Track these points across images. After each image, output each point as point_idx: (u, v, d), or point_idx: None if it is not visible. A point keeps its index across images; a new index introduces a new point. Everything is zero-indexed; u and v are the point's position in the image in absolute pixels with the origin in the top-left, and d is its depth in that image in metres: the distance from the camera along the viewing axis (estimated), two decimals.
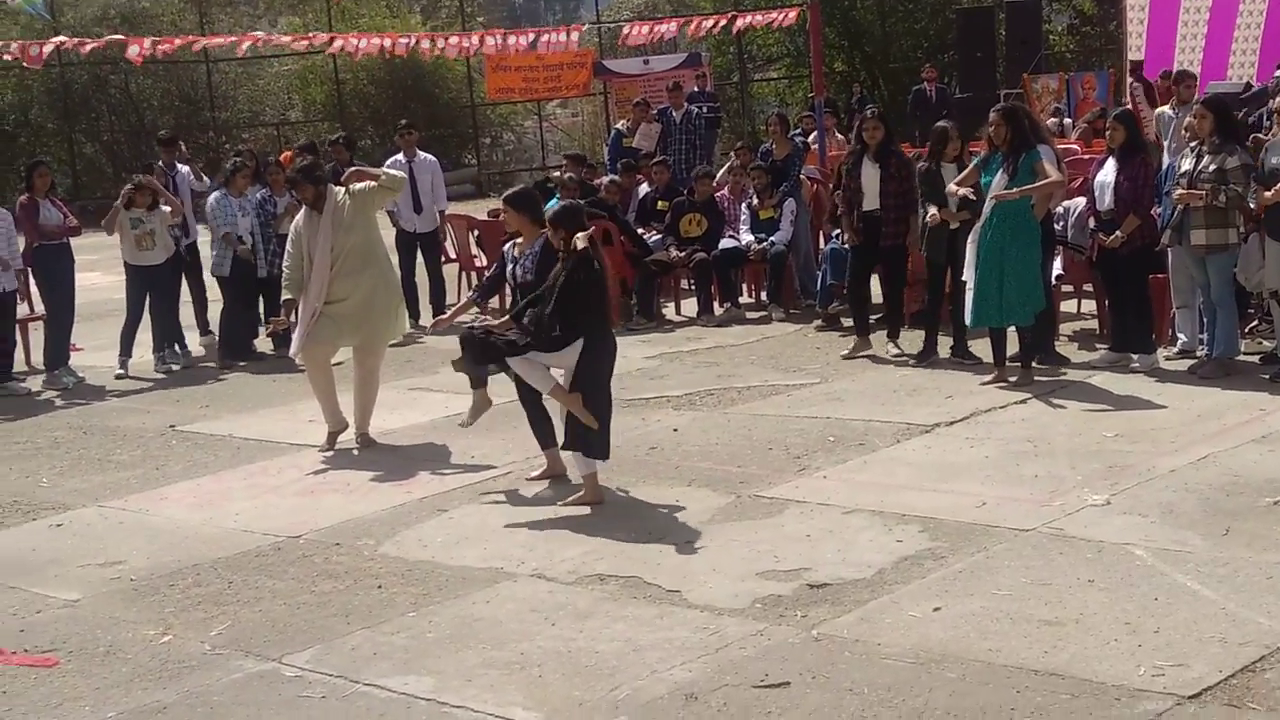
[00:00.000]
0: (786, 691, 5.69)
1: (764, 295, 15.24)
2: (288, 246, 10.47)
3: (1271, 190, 9.99)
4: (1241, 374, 10.46)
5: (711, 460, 9.31)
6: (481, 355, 8.70)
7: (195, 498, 9.36)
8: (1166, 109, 14.38)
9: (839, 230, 13.23)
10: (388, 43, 23.27)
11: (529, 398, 8.87)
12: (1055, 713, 5.32)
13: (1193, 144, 10.72)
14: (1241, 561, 6.75)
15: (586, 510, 8.36)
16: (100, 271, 17.93)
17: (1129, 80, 20.49)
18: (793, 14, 23.50)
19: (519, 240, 9.07)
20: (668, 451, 9.60)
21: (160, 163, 15.43)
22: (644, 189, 16.59)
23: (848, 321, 13.47)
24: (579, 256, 8.33)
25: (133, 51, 20.99)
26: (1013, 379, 10.69)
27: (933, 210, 11.45)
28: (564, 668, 6.11)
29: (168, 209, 13.95)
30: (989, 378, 10.82)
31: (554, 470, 8.98)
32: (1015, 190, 10.39)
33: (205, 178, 16.09)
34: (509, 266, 8.97)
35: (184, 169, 15.45)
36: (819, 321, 13.87)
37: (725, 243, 15.00)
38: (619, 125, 22.13)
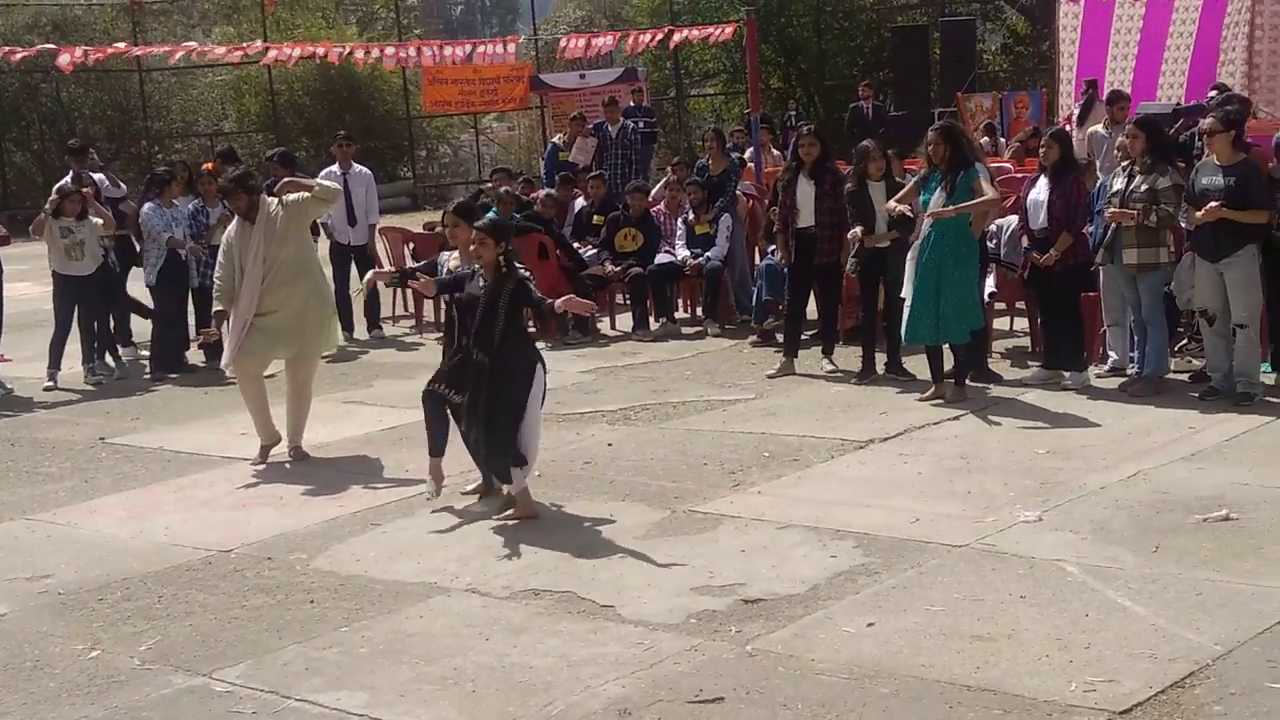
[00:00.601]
0: (720, 707, 5.69)
1: (699, 310, 15.27)
2: (219, 257, 10.37)
3: (1201, 210, 10.10)
4: (1171, 392, 10.56)
5: (646, 475, 9.30)
6: (439, 412, 8.66)
7: (125, 511, 9.26)
8: (1099, 128, 14.52)
9: (774, 246, 13.28)
10: (322, 51, 23.17)
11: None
12: None
13: (1124, 164, 10.83)
14: (1171, 578, 6.81)
15: (521, 525, 8.33)
16: (30, 281, 17.74)
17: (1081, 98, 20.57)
18: (729, 30, 23.62)
19: (455, 252, 9.02)
20: (602, 466, 9.59)
21: (71, 174, 15.21)
22: (580, 203, 16.59)
23: (782, 337, 13.51)
24: (518, 277, 8.35)
25: (64, 60, 20.85)
26: (947, 396, 10.73)
27: (855, 230, 11.53)
28: (498, 683, 6.08)
29: (98, 220, 13.82)
30: (925, 394, 10.88)
31: (489, 486, 8.94)
32: (952, 208, 10.46)
33: (121, 184, 15.98)
34: (441, 274, 8.90)
35: (99, 176, 15.31)
36: (754, 337, 13.91)
37: (661, 258, 15.02)
38: (555, 139, 22.14)
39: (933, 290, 10.57)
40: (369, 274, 10.16)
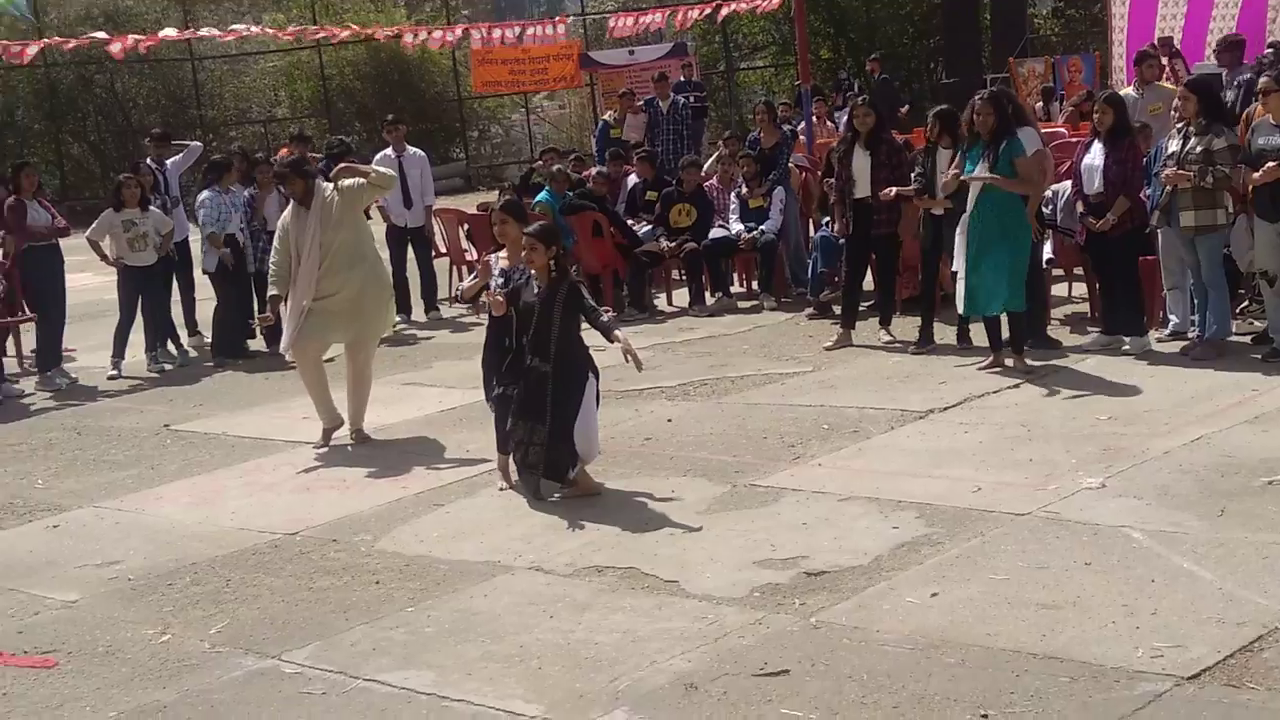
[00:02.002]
0: (786, 679, 5.71)
1: (755, 284, 15.25)
2: (274, 242, 10.44)
3: (1259, 171, 10.01)
4: (1233, 354, 10.48)
5: (706, 450, 9.31)
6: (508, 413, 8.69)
7: (191, 497, 9.36)
8: (1130, 90, 14.37)
9: (829, 218, 13.26)
10: (371, 32, 23.24)
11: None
12: (1054, 696, 5.34)
13: (1179, 125, 10.73)
14: (1237, 542, 6.77)
15: (583, 502, 8.36)
16: (91, 272, 17.89)
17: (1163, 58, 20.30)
18: (776, 1, 23.48)
19: (504, 251, 8.99)
20: (663, 442, 9.61)
21: (149, 159, 15.41)
22: (633, 180, 16.58)
23: (839, 309, 13.48)
24: (570, 281, 8.36)
25: (115, 48, 20.97)
26: (1009, 363, 10.69)
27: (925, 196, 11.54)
28: (563, 659, 6.12)
29: (160, 212, 13.99)
30: (985, 363, 10.83)
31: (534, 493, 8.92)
32: (989, 176, 10.53)
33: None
34: (496, 281, 8.82)
35: (169, 163, 15.46)
36: (811, 310, 13.87)
37: (715, 232, 15.00)
38: (606, 116, 22.13)
39: (987, 263, 10.57)
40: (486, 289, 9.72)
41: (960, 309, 11.01)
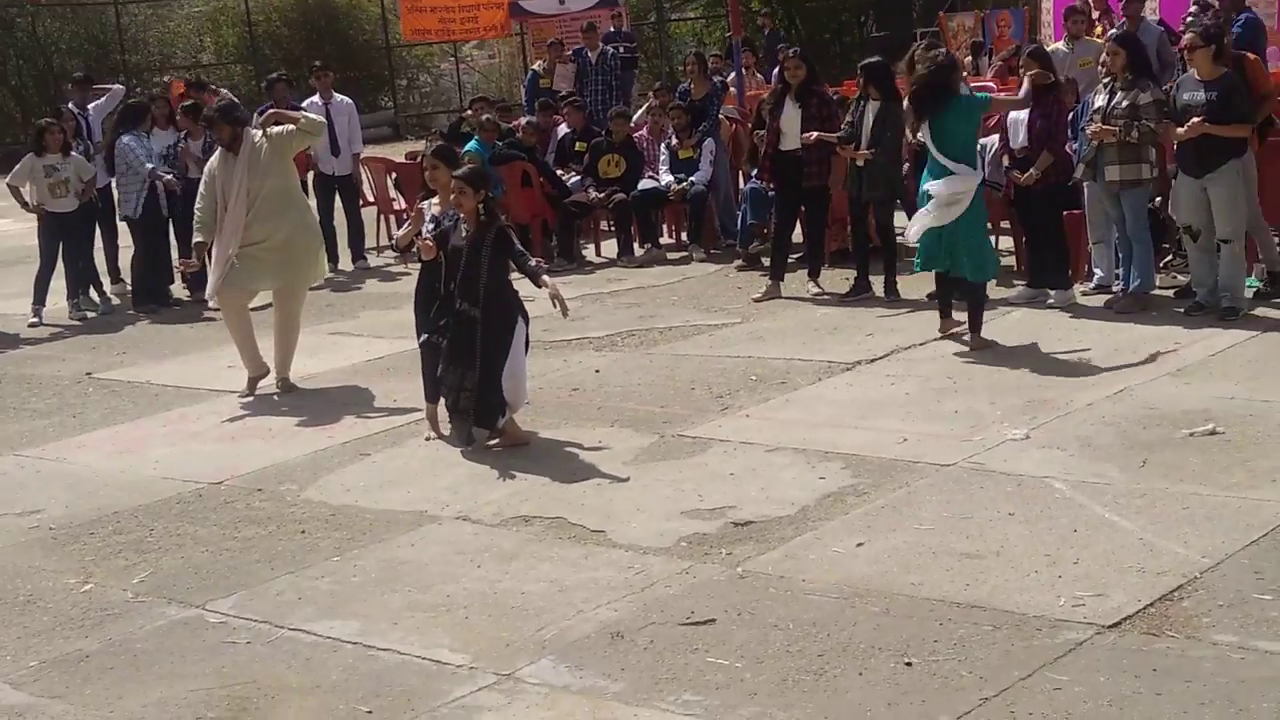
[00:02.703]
0: (712, 628, 5.73)
1: (684, 236, 15.24)
2: (200, 188, 10.30)
3: (1184, 126, 10.08)
4: (1157, 308, 10.58)
5: (634, 401, 9.31)
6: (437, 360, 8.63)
7: (114, 445, 9.26)
8: (1060, 45, 14.44)
9: (758, 170, 13.24)
10: None
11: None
12: (977, 644, 5.39)
13: (1105, 80, 10.78)
14: (1158, 493, 6.85)
15: (511, 452, 8.35)
16: (11, 219, 17.66)
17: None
18: None
19: (436, 198, 8.91)
20: (590, 393, 9.60)
21: (71, 104, 15.19)
22: (562, 130, 16.50)
23: (768, 261, 13.51)
24: (498, 226, 8.31)
25: None
26: (970, 345, 9.97)
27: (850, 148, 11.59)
28: (490, 609, 6.12)
29: (82, 158, 13.80)
30: (940, 329, 10.37)
31: (467, 439, 8.89)
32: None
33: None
34: (428, 226, 8.71)
35: (91, 108, 15.25)
36: (739, 261, 13.88)
37: (645, 183, 14.96)
38: (535, 66, 21.99)
39: (947, 228, 9.93)
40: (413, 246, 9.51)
41: (917, 265, 10.48)
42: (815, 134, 11.83)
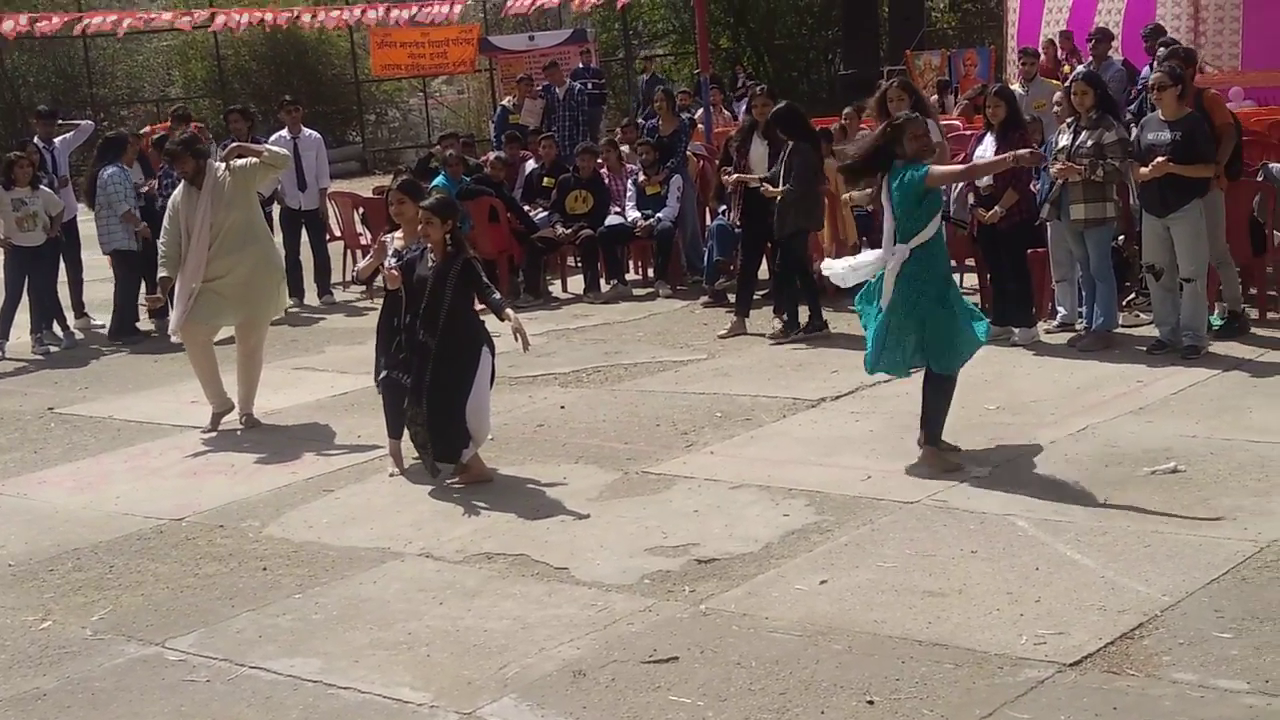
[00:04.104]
0: (675, 666, 5.71)
1: (651, 272, 15.26)
2: (164, 222, 10.28)
3: (1148, 166, 10.15)
4: (1120, 346, 10.63)
5: (599, 437, 9.31)
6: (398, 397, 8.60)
7: (75, 481, 9.21)
8: (1017, 86, 14.57)
9: (725, 207, 13.30)
10: (270, 17, 23.02)
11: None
12: (939, 682, 5.39)
13: (1069, 119, 10.86)
14: (1120, 531, 6.86)
15: (474, 488, 8.32)
16: None
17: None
18: None
19: (399, 231, 8.89)
20: (555, 429, 9.59)
21: (36, 138, 15.16)
22: (530, 166, 16.53)
23: (734, 297, 13.54)
24: (465, 257, 8.31)
25: (7, 26, 20.61)
26: (931, 464, 8.11)
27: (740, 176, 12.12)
28: (452, 646, 6.09)
29: (50, 191, 13.77)
30: (919, 455, 8.27)
31: (434, 471, 8.87)
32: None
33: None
34: (390, 260, 8.69)
35: (57, 142, 15.20)
36: (706, 298, 13.91)
37: (611, 219, 15.00)
38: (504, 102, 22.05)
39: (911, 322, 8.14)
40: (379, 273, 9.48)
41: (866, 366, 8.48)
42: (735, 175, 12.03)
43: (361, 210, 16.95)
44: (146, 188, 14.27)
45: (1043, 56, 17.96)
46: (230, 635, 6.42)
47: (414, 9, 28.25)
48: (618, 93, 35.44)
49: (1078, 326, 11.10)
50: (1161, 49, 12.65)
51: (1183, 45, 13.70)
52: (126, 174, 13.97)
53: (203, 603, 6.86)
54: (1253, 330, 10.81)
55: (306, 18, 26.57)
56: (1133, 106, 12.95)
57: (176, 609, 6.80)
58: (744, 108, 17.04)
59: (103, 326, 14.49)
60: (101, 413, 11.02)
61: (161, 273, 10.17)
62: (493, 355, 8.46)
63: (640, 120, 17.74)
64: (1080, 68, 14.05)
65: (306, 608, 6.69)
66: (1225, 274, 10.82)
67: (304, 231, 15.62)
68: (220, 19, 25.09)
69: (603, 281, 14.87)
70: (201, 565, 7.40)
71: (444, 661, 5.95)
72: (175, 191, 10.29)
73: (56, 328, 14.20)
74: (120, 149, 14.26)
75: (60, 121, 16.23)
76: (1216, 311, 10.87)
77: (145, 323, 14.08)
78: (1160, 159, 10.07)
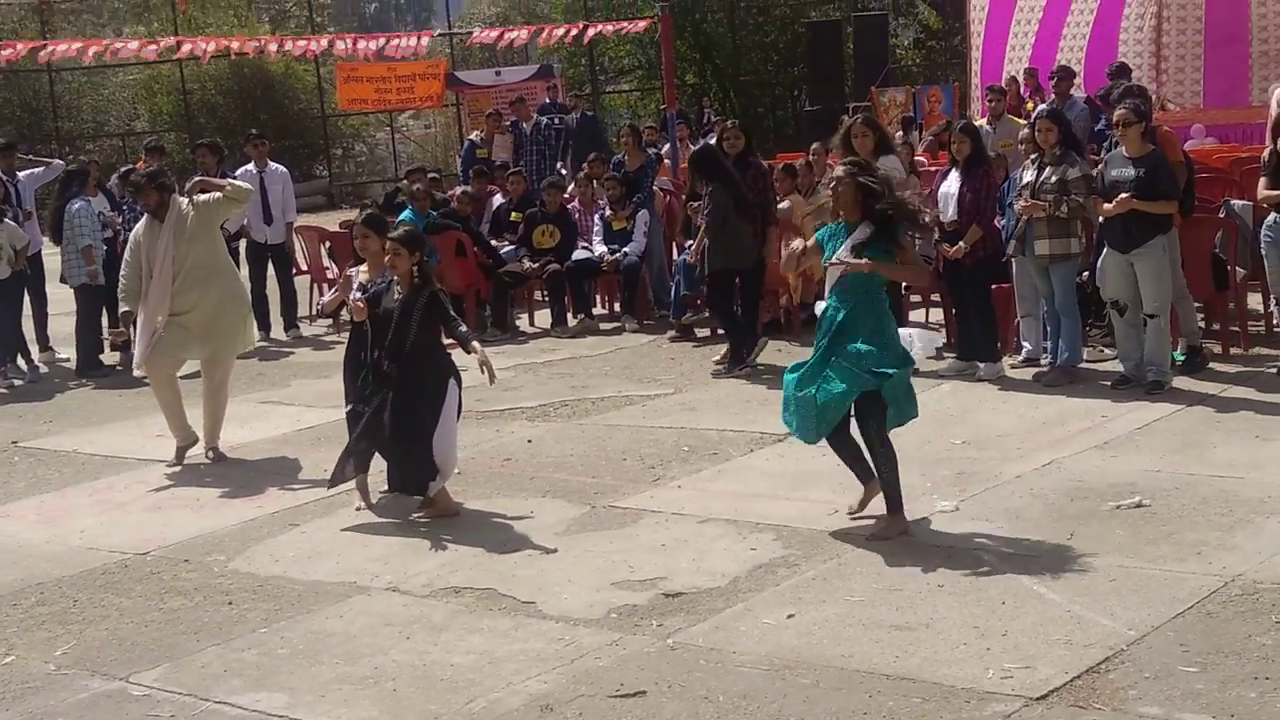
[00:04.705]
0: (642, 701, 5.71)
1: (618, 306, 15.28)
2: (125, 255, 10.24)
3: (1112, 202, 10.22)
4: (1084, 381, 10.68)
5: (566, 471, 9.30)
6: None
7: (38, 515, 9.15)
8: (984, 123, 14.69)
9: (692, 242, 13.34)
10: (236, 45, 23.04)
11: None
12: (906, 716, 5.40)
13: (1033, 155, 10.93)
14: (1086, 565, 6.89)
15: (441, 523, 8.30)
16: None
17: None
18: (643, 24, 23.61)
19: (364, 266, 8.89)
20: (522, 463, 9.58)
21: None
22: (498, 200, 16.55)
23: (702, 332, 13.61)
24: (431, 289, 8.33)
25: None
26: (878, 530, 7.60)
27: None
28: (419, 681, 6.07)
29: (15, 225, 13.70)
30: (856, 506, 7.96)
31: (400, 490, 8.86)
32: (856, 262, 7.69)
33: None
34: (356, 294, 8.68)
35: (22, 176, 15.13)
36: (673, 332, 13.94)
37: (578, 254, 15.02)
38: (472, 136, 22.07)
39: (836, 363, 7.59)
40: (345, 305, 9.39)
41: (793, 431, 8.01)
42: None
43: (328, 244, 16.93)
44: (110, 220, 14.22)
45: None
46: (195, 670, 6.38)
47: (381, 40, 28.25)
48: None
49: (1043, 362, 11.15)
50: (1116, 89, 12.79)
51: (1138, 84, 13.85)
52: (92, 207, 13.92)
53: (167, 637, 6.82)
54: (1216, 366, 10.89)
55: (273, 47, 26.53)
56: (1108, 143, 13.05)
57: (141, 644, 6.76)
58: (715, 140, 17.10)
59: (67, 360, 14.42)
60: (66, 446, 10.96)
61: (122, 307, 10.14)
62: (459, 388, 8.46)
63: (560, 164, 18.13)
64: (1043, 105, 14.18)
65: (272, 642, 6.65)
66: (1183, 309, 10.90)
67: (270, 265, 15.59)
68: (186, 46, 25.06)
69: (570, 316, 14.88)
70: (166, 600, 7.36)
71: (410, 696, 5.93)
72: (138, 225, 10.26)
73: (21, 361, 14.12)
74: (83, 180, 14.22)
75: (30, 157, 16.16)
76: (1179, 347, 10.94)
77: (110, 357, 14.01)
78: (1124, 195, 10.14)
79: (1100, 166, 10.67)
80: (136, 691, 6.20)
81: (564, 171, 18.06)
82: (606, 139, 23.52)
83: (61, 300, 14.82)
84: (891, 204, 7.65)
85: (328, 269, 16.72)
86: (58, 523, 8.94)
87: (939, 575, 6.89)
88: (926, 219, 8.98)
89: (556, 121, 21.09)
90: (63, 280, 14.18)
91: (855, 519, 7.82)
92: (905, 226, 7.85)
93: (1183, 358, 10.85)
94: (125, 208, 14.08)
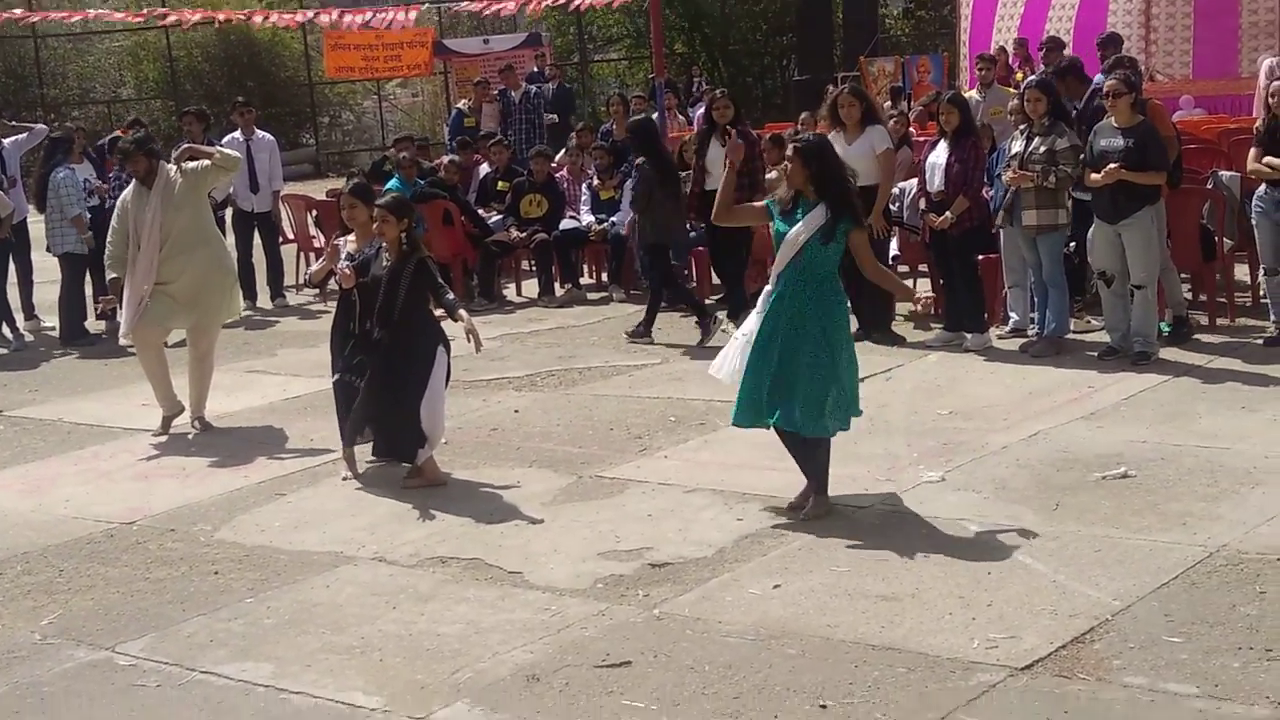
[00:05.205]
0: (628, 670, 5.71)
1: (605, 276, 15.26)
2: (113, 222, 10.20)
3: (1101, 172, 10.22)
4: (1071, 352, 10.69)
5: (553, 441, 9.30)
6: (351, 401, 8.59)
7: (24, 484, 9.12)
8: (974, 93, 14.66)
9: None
10: (222, 17, 22.93)
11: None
12: (891, 686, 5.41)
13: (1022, 126, 10.92)
14: (1071, 535, 6.91)
15: (428, 492, 8.30)
16: None
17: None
18: None
19: (352, 235, 8.86)
20: (509, 433, 9.57)
21: None
22: (484, 169, 16.51)
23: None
24: (419, 256, 8.32)
25: None
26: (807, 510, 7.51)
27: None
28: (405, 651, 6.07)
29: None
30: (796, 500, 7.65)
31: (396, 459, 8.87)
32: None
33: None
34: (343, 262, 8.64)
35: (6, 143, 15.05)
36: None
37: (566, 223, 15.00)
38: (460, 105, 22.02)
39: (787, 363, 7.42)
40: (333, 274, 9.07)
41: (732, 418, 7.82)
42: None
43: (315, 213, 16.88)
44: (97, 188, 14.17)
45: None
46: (181, 640, 6.37)
47: (368, 14, 28.15)
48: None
49: (1030, 332, 11.16)
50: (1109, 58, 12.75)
51: (1127, 55, 13.82)
52: (77, 175, 13.86)
53: (153, 607, 6.81)
54: (1202, 337, 10.90)
55: (259, 19, 26.42)
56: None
57: (127, 613, 6.75)
58: (699, 112, 17.09)
59: (53, 328, 14.38)
60: (51, 415, 10.93)
61: (110, 274, 10.10)
62: (448, 355, 8.46)
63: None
64: (1033, 76, 14.14)
65: (258, 612, 6.65)
66: (1168, 279, 10.90)
67: (256, 234, 15.55)
68: (172, 17, 24.95)
69: (557, 285, 14.86)
70: (152, 569, 7.35)
71: (397, 666, 5.93)
72: (125, 191, 10.22)
73: (5, 329, 14.07)
74: (68, 148, 14.16)
75: (13, 123, 16.08)
76: (1166, 317, 10.95)
77: (95, 325, 13.97)
78: (1113, 165, 10.14)
79: (1090, 137, 10.66)
80: (122, 661, 6.19)
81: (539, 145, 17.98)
82: (582, 112, 23.49)
83: (47, 269, 14.77)
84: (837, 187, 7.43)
85: (314, 238, 16.68)
86: (43, 492, 8.92)
87: (924, 545, 6.90)
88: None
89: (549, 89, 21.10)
90: (48, 249, 14.12)
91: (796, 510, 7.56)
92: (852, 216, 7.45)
93: (1169, 328, 10.86)
94: (113, 177, 14.01)
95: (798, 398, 7.36)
